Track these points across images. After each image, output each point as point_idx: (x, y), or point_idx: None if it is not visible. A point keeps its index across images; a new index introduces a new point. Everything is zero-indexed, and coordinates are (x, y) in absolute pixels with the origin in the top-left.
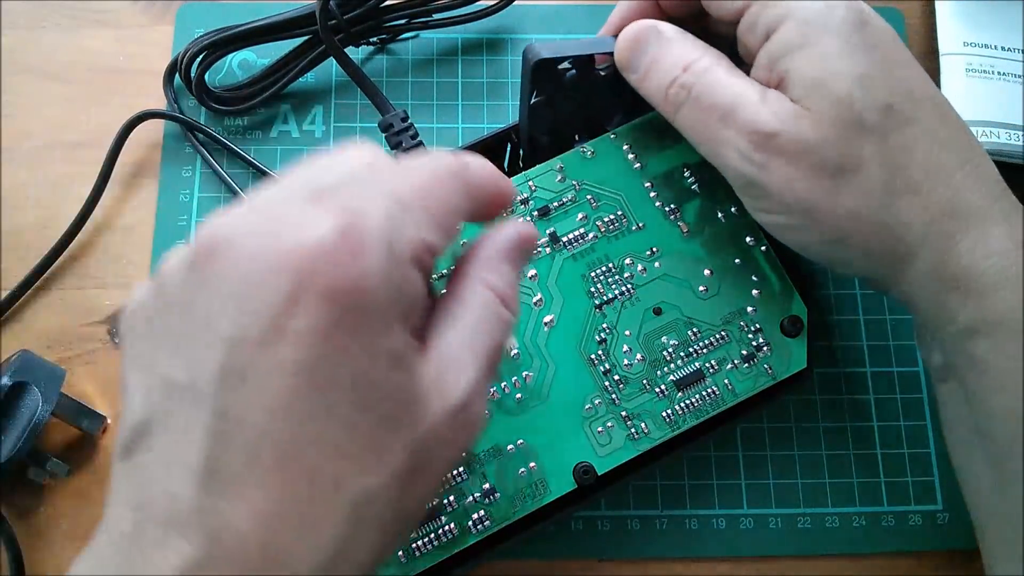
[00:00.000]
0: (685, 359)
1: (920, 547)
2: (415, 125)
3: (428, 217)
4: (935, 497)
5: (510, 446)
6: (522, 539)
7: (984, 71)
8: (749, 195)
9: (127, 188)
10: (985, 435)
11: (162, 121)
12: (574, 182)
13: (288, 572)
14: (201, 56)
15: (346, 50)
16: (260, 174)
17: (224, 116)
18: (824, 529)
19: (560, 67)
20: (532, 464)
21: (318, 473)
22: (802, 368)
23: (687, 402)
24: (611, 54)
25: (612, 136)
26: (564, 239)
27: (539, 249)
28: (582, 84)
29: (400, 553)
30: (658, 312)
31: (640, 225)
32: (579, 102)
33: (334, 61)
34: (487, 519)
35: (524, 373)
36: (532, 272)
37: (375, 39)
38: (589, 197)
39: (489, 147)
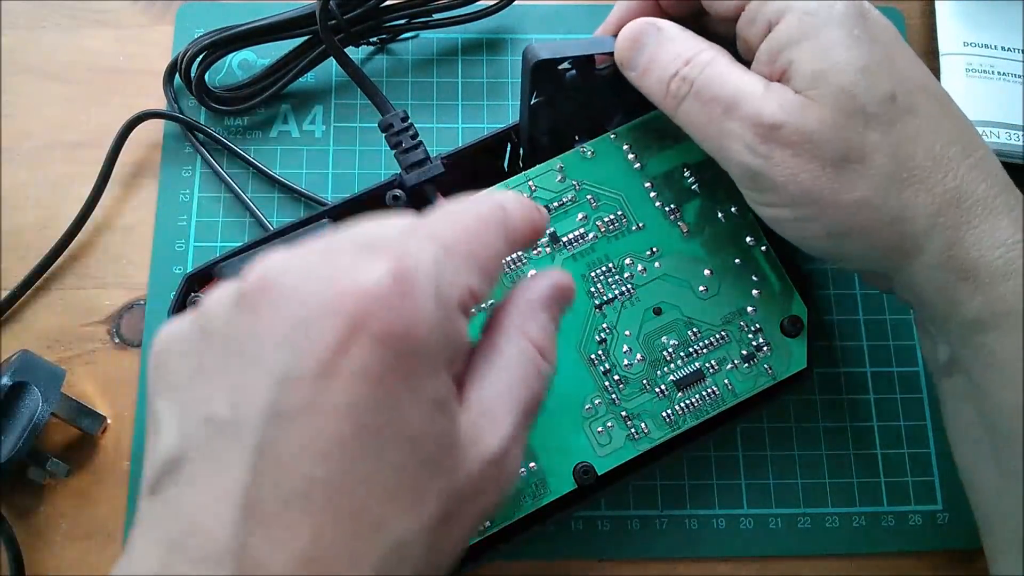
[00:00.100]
0: (685, 359)
1: (920, 547)
2: (415, 125)
3: (473, 263)
4: (935, 497)
5: None
6: (522, 539)
7: (984, 71)
8: (753, 188)
9: (127, 188)
10: (990, 430)
11: (162, 121)
12: (574, 182)
13: None
14: (201, 56)
15: (346, 50)
16: (260, 174)
17: (224, 116)
18: (824, 529)
19: (560, 67)
20: (532, 464)
21: (360, 515)
22: (802, 368)
23: (687, 402)
24: (611, 54)
25: (612, 136)
26: (564, 239)
27: (539, 249)
28: (582, 84)
29: None
30: (658, 312)
31: (640, 225)
32: (579, 102)
33: (334, 61)
34: (487, 519)
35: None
36: (531, 272)
37: (375, 39)
38: (589, 197)
39: (489, 147)
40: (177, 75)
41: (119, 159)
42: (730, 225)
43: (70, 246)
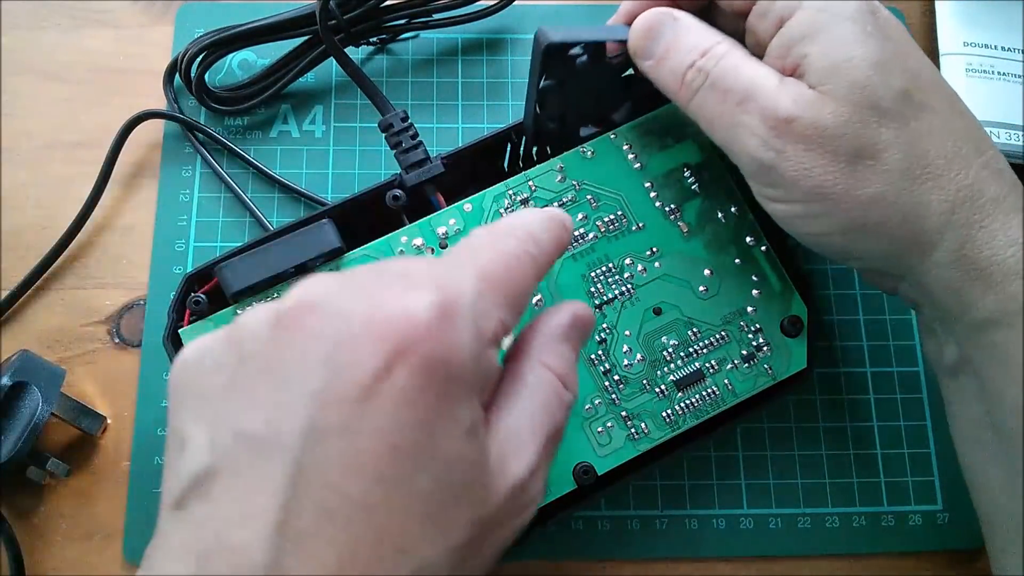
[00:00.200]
0: (685, 359)
1: (920, 547)
2: (415, 125)
3: (506, 299)
4: (935, 497)
5: None
6: (522, 539)
7: (984, 71)
8: (764, 183)
9: (127, 188)
10: (999, 430)
11: (162, 121)
12: (574, 182)
13: None
14: (201, 56)
15: (346, 50)
16: (260, 174)
17: (224, 116)
18: (824, 529)
19: (571, 53)
20: None
21: (391, 536)
22: (802, 368)
23: (687, 402)
24: (624, 42)
25: (612, 136)
26: None
27: None
28: (592, 72)
29: None
30: (658, 312)
31: (640, 225)
32: (588, 90)
33: (334, 61)
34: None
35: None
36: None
37: (375, 39)
38: (589, 197)
39: (489, 147)
40: (177, 75)
41: (119, 159)
42: (730, 225)
43: (70, 246)
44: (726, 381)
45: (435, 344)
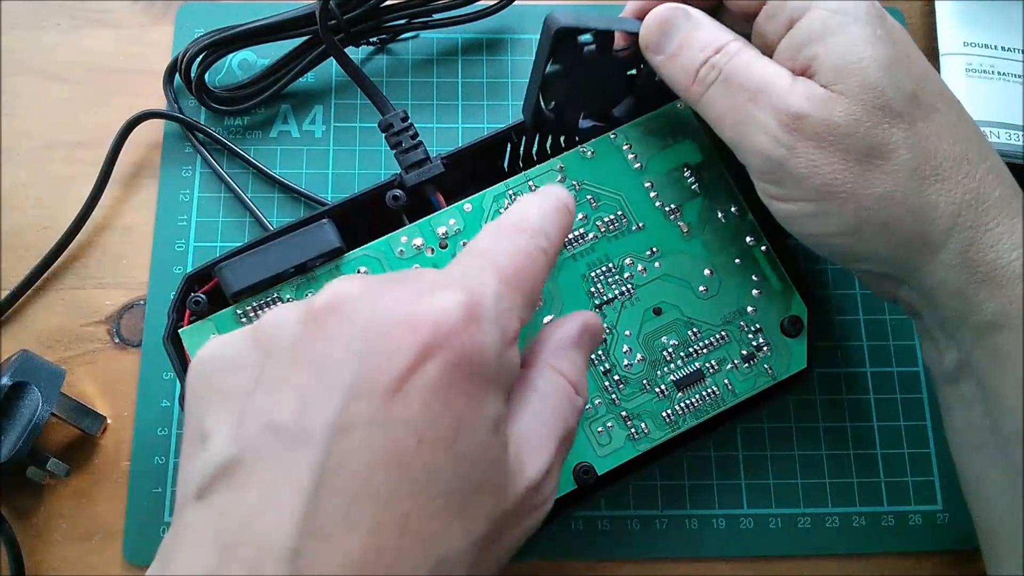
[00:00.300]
0: (685, 359)
1: (920, 547)
2: (415, 125)
3: (524, 298)
4: (935, 497)
5: None
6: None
7: (984, 71)
8: (770, 181)
9: (127, 188)
10: (1001, 434)
11: (162, 121)
12: (574, 182)
13: None
14: (201, 56)
15: (346, 50)
16: (260, 174)
17: (224, 116)
18: (824, 529)
19: (580, 40)
20: None
21: (409, 527)
22: (802, 368)
23: (687, 402)
24: (634, 35)
25: (612, 136)
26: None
27: None
28: (598, 62)
29: None
30: (658, 312)
31: (640, 225)
32: (591, 81)
33: (334, 61)
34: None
35: None
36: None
37: (375, 39)
38: (589, 197)
39: (489, 147)
40: (177, 75)
41: (119, 159)
42: (730, 225)
43: (70, 246)
44: (726, 381)
45: (463, 342)
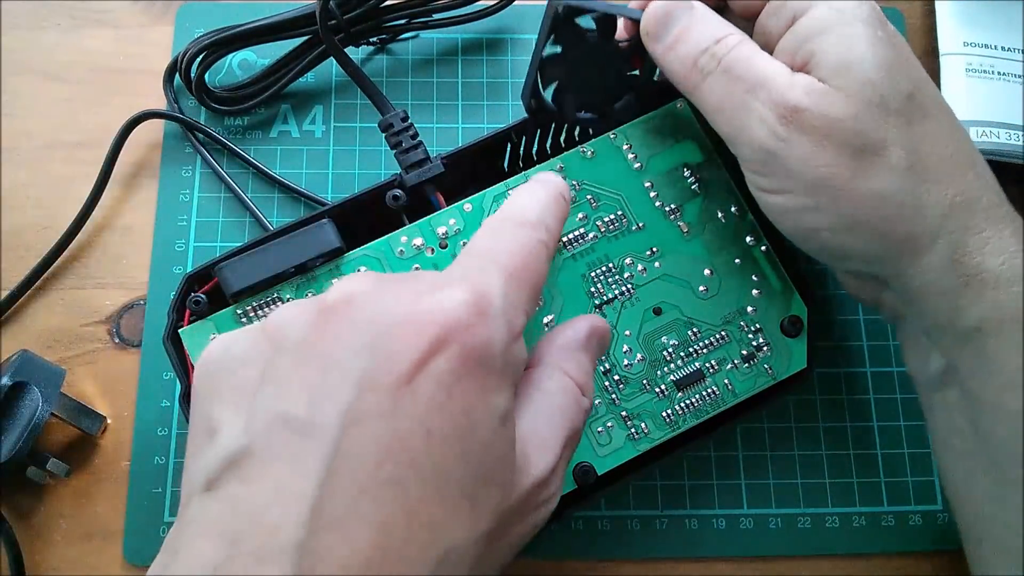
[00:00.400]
0: (685, 359)
1: (920, 547)
2: (415, 125)
3: (528, 291)
4: (935, 497)
5: None
6: None
7: (984, 71)
8: (762, 173)
9: (127, 188)
10: (986, 439)
11: (162, 121)
12: (574, 182)
13: None
14: (201, 56)
15: (346, 50)
16: (260, 174)
17: (224, 116)
18: (824, 529)
19: (582, 26)
20: None
21: (417, 518)
22: (802, 368)
23: (687, 402)
24: (636, 22)
25: (612, 136)
26: (564, 239)
27: None
28: (599, 50)
29: None
30: (658, 312)
31: (640, 225)
32: (592, 68)
33: (334, 61)
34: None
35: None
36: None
37: (375, 39)
38: (589, 197)
39: (489, 147)
40: (177, 75)
41: (119, 159)
42: (730, 225)
43: (70, 246)
44: (726, 381)
45: (472, 336)
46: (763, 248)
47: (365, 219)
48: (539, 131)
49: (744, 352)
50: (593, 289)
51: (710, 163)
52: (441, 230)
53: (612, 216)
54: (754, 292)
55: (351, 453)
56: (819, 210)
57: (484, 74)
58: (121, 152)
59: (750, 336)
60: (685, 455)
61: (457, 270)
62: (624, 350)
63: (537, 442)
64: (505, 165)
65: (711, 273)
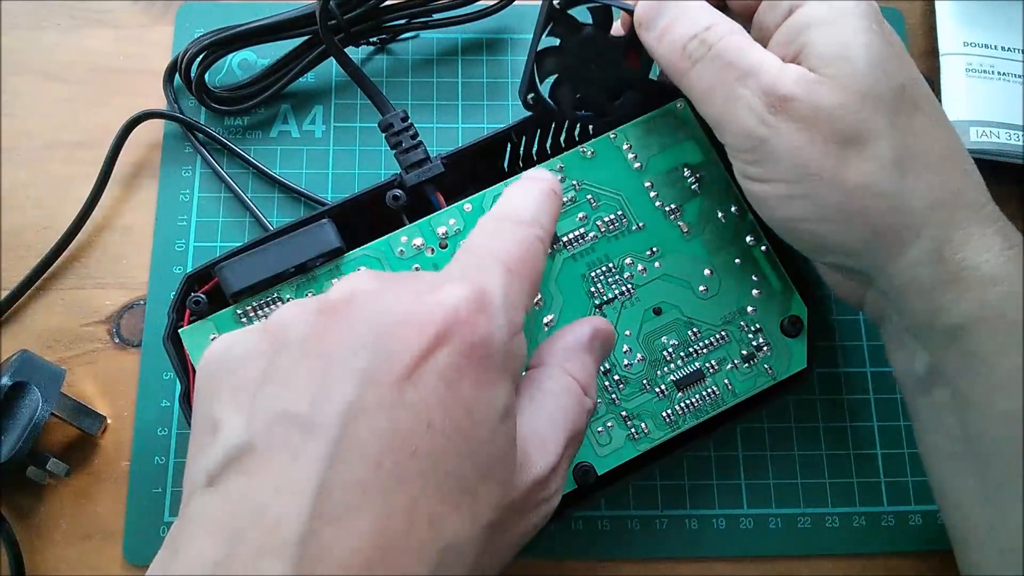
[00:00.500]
0: (685, 359)
1: (920, 547)
2: (415, 125)
3: (528, 287)
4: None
5: None
6: None
7: (984, 71)
8: (749, 160)
9: (127, 188)
10: (974, 441)
11: (162, 121)
12: (574, 182)
13: None
14: (201, 56)
15: (346, 50)
16: (260, 174)
17: (224, 116)
18: (824, 529)
19: (578, 19)
20: None
21: (418, 511)
22: (802, 368)
23: (687, 402)
24: (630, 13)
25: (612, 136)
26: (564, 239)
27: None
28: (595, 44)
29: None
30: (658, 312)
31: (640, 225)
32: (588, 63)
33: (334, 61)
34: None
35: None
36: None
37: (375, 39)
38: (589, 197)
39: (489, 147)
40: (177, 75)
41: (119, 159)
42: (730, 225)
43: (70, 246)
44: (726, 381)
45: (473, 331)
46: (763, 248)
47: (365, 219)
48: (539, 131)
49: (744, 352)
50: (593, 289)
51: (710, 163)
52: (441, 230)
53: (612, 216)
54: (754, 292)
55: (352, 448)
56: (804, 199)
57: (484, 74)
58: (121, 152)
59: (750, 336)
60: (685, 455)
61: (456, 268)
62: (624, 350)
63: (538, 441)
64: (505, 165)
65: (711, 273)
